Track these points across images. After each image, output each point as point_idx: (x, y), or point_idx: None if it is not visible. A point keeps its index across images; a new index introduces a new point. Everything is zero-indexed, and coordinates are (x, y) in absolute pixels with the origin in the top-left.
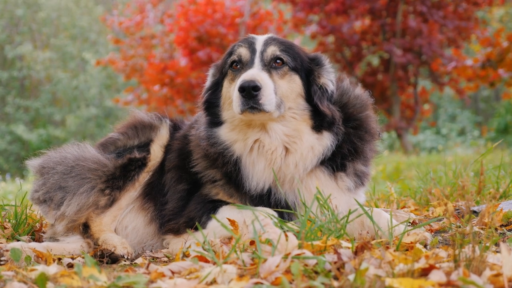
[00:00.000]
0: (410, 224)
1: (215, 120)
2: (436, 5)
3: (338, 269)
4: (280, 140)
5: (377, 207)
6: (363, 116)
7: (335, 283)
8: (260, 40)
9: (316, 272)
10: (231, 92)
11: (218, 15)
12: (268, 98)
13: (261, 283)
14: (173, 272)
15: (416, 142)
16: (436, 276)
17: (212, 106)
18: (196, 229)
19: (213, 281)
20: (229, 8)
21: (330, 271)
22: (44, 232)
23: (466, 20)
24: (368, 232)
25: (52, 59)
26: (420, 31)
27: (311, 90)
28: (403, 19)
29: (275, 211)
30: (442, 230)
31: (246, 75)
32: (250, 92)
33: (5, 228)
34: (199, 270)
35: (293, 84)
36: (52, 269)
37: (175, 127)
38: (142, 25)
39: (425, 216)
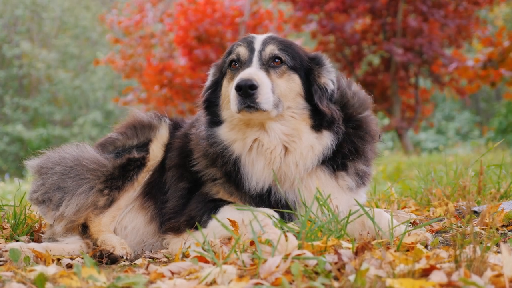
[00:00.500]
0: (410, 224)
1: (214, 120)
2: (437, 4)
3: (338, 269)
4: (279, 139)
5: (377, 207)
6: (363, 116)
7: (336, 284)
8: (259, 39)
9: (317, 273)
10: (229, 91)
11: (217, 14)
12: (265, 97)
13: (261, 284)
14: (172, 273)
15: (417, 141)
16: (437, 277)
17: (212, 105)
18: (197, 228)
19: (213, 282)
20: (228, 8)
21: (330, 271)
22: (43, 233)
23: (467, 19)
24: (368, 233)
25: (54, 58)
26: (420, 30)
27: (311, 89)
28: (403, 18)
29: (275, 211)
30: (443, 230)
31: (243, 74)
32: (246, 91)
33: (4, 228)
34: (198, 271)
35: (292, 83)
36: (51, 269)
37: (175, 126)
38: (142, 24)
39: (426, 216)
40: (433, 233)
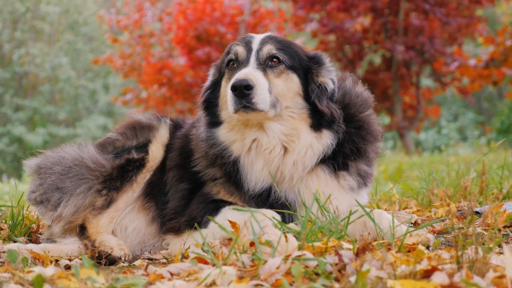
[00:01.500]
0: (412, 225)
1: (214, 120)
2: (439, 2)
3: (339, 270)
4: (278, 139)
5: (379, 208)
6: (365, 116)
7: (336, 285)
8: (257, 39)
9: (317, 274)
10: (227, 92)
11: (217, 13)
12: (261, 97)
13: (261, 285)
14: (172, 274)
15: (418, 141)
16: (439, 278)
17: (211, 106)
18: (197, 229)
19: (213, 283)
20: (228, 7)
21: (331, 273)
22: (41, 233)
23: (469, 18)
24: (369, 233)
25: (60, 56)
26: (422, 29)
27: (309, 88)
28: (405, 17)
29: (276, 212)
30: (444, 231)
31: (239, 74)
32: (242, 91)
33: (2, 229)
34: (198, 272)
35: (290, 83)
36: (49, 270)
37: (176, 126)
38: (141, 23)
39: (428, 217)
40: (435, 234)
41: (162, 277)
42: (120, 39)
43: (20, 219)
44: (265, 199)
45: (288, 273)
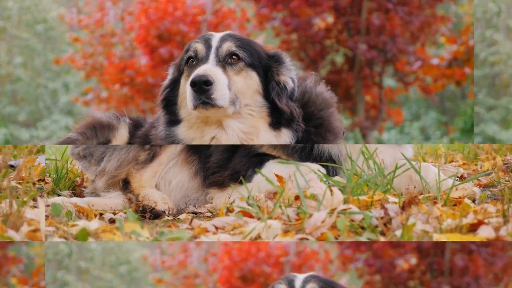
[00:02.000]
0: (458, 178)
1: (173, 119)
2: (401, 1)
3: (384, 224)
4: (237, 137)
5: (424, 161)
6: (325, 114)
7: (382, 239)
8: (217, 36)
9: (362, 228)
10: (186, 89)
11: (179, 12)
12: (220, 93)
13: (306, 239)
14: (216, 228)
15: (380, 141)
16: (485, 232)
17: (170, 104)
18: (241, 182)
19: (258, 237)
20: (190, 6)
21: (376, 226)
22: (85, 187)
23: (431, 17)
24: (415, 187)
25: (17, 58)
26: (384, 28)
27: (269, 87)
28: (368, 16)
29: (320, 165)
30: (490, 184)
31: (199, 70)
32: (201, 87)
33: (46, 182)
34: (243, 226)
35: (249, 81)
36: (94, 224)
37: (136, 125)
38: (102, 22)
39: (474, 170)
40: (481, 188)
41: (207, 231)
42: (81, 38)
43: (64, 172)
44: (308, 153)
45: (333, 226)
